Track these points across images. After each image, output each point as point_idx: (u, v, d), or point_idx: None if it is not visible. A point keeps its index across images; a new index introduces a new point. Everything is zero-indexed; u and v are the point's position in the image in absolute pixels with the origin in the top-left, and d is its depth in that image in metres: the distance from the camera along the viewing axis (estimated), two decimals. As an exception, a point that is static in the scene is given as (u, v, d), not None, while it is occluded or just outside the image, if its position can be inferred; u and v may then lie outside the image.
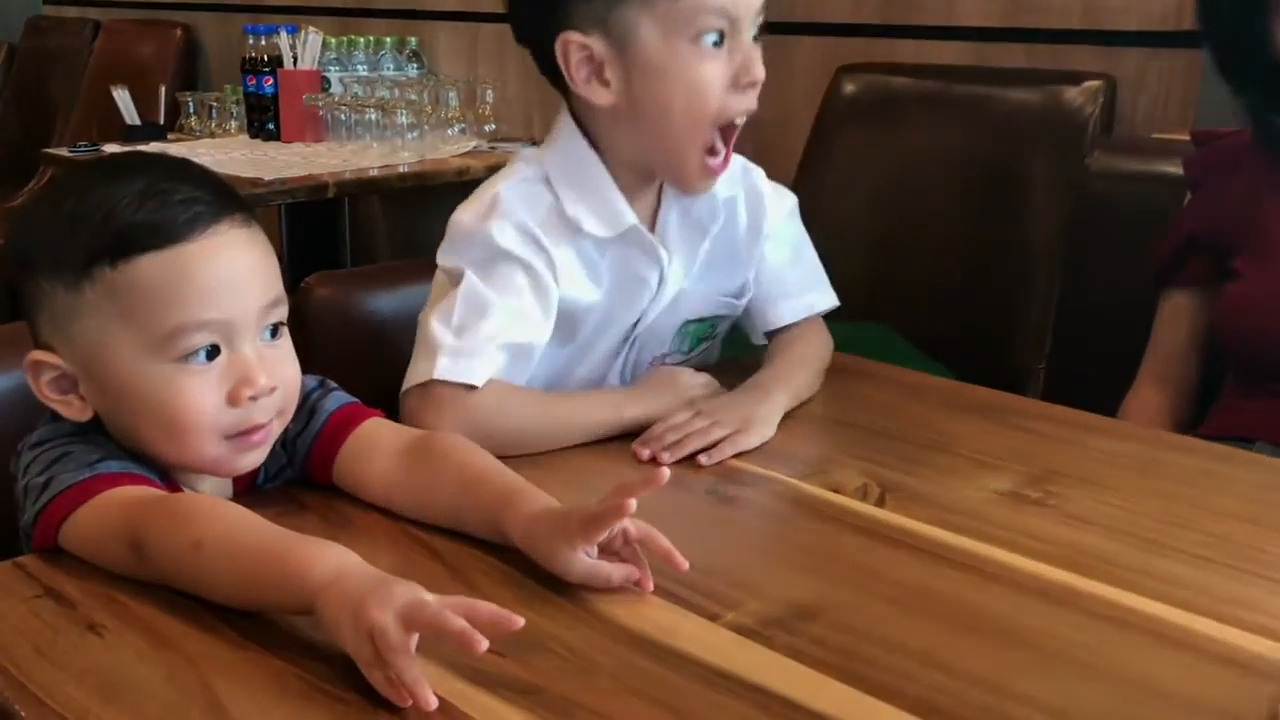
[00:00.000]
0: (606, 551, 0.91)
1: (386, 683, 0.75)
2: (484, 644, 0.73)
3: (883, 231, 2.20)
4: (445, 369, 1.15)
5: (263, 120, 3.10)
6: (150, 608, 0.86)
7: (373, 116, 2.90)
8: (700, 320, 1.38)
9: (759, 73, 1.22)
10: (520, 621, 0.77)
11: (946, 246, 2.15)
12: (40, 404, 0.98)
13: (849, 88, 2.35)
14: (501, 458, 1.03)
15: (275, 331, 0.98)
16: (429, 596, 0.76)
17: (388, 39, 3.27)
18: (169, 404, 0.93)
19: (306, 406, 1.05)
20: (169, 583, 0.88)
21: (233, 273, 0.94)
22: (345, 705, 0.75)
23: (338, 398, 1.08)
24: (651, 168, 1.28)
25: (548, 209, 1.25)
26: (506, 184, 1.26)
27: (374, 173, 2.72)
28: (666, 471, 0.90)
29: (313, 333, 1.38)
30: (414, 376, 1.18)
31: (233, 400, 0.94)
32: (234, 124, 3.26)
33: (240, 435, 0.96)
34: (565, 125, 1.29)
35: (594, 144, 1.27)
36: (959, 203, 2.15)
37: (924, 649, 0.84)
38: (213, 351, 0.94)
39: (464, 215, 1.25)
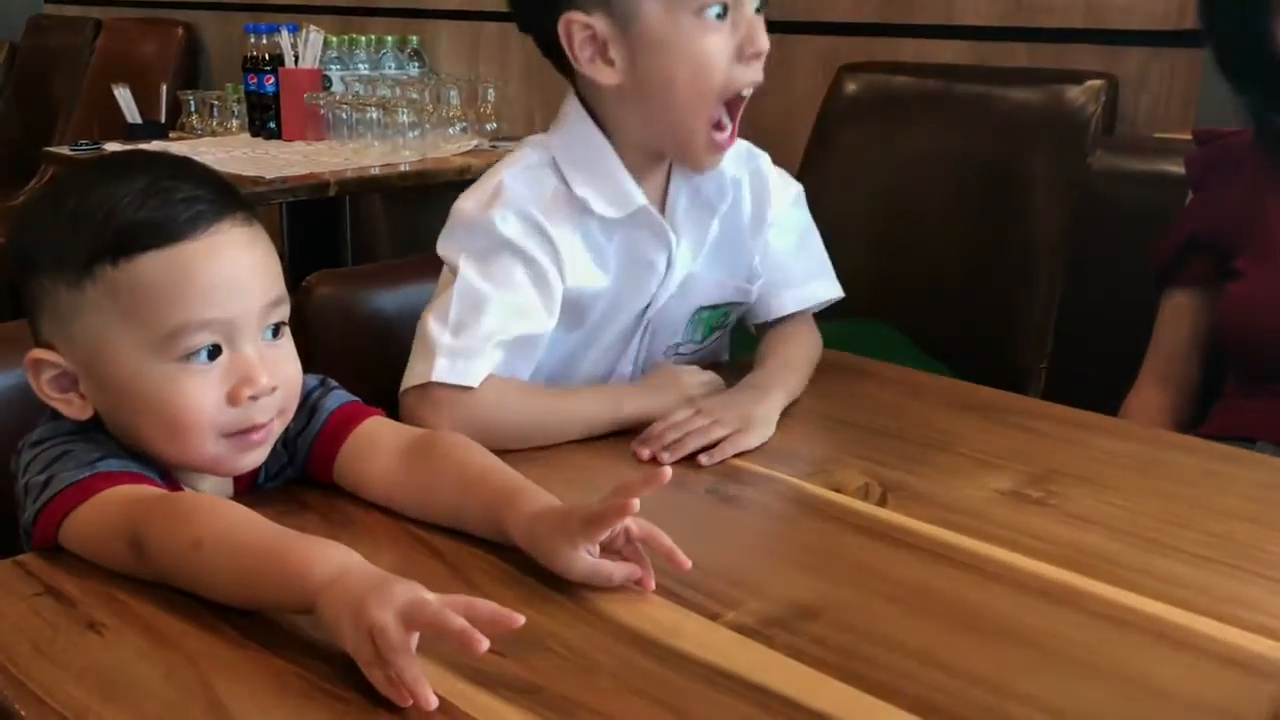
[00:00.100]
0: (608, 550, 0.91)
1: (387, 682, 0.75)
2: (484, 644, 0.73)
3: (884, 230, 2.20)
4: (443, 371, 1.15)
5: (264, 119, 3.10)
6: (150, 606, 0.86)
7: (374, 115, 2.90)
8: (714, 308, 1.37)
9: (763, 43, 1.21)
10: (520, 620, 0.77)
11: (948, 246, 2.15)
12: (41, 402, 0.97)
13: (850, 87, 2.35)
14: (501, 453, 1.03)
15: (277, 331, 0.98)
16: (429, 595, 0.76)
17: (389, 38, 3.27)
18: (169, 403, 0.93)
19: (307, 405, 1.05)
20: (169, 582, 0.88)
21: (234, 272, 0.94)
22: (345, 704, 0.75)
23: (338, 396, 1.08)
24: (659, 146, 1.28)
25: (553, 193, 1.25)
26: (511, 171, 1.26)
27: (375, 171, 2.72)
28: (668, 471, 0.90)
29: (314, 331, 1.38)
30: (412, 377, 1.18)
31: (233, 400, 0.94)
32: (235, 123, 3.26)
33: (240, 434, 0.96)
34: (572, 108, 1.28)
35: (601, 126, 1.27)
36: (960, 202, 2.15)
37: (924, 648, 0.83)
38: (214, 351, 0.94)
39: (467, 203, 1.25)
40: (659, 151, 1.29)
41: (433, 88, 3.04)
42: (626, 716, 0.75)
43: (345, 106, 2.95)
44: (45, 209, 0.96)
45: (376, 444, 1.05)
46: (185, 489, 1.00)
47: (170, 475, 0.99)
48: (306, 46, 3.06)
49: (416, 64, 3.29)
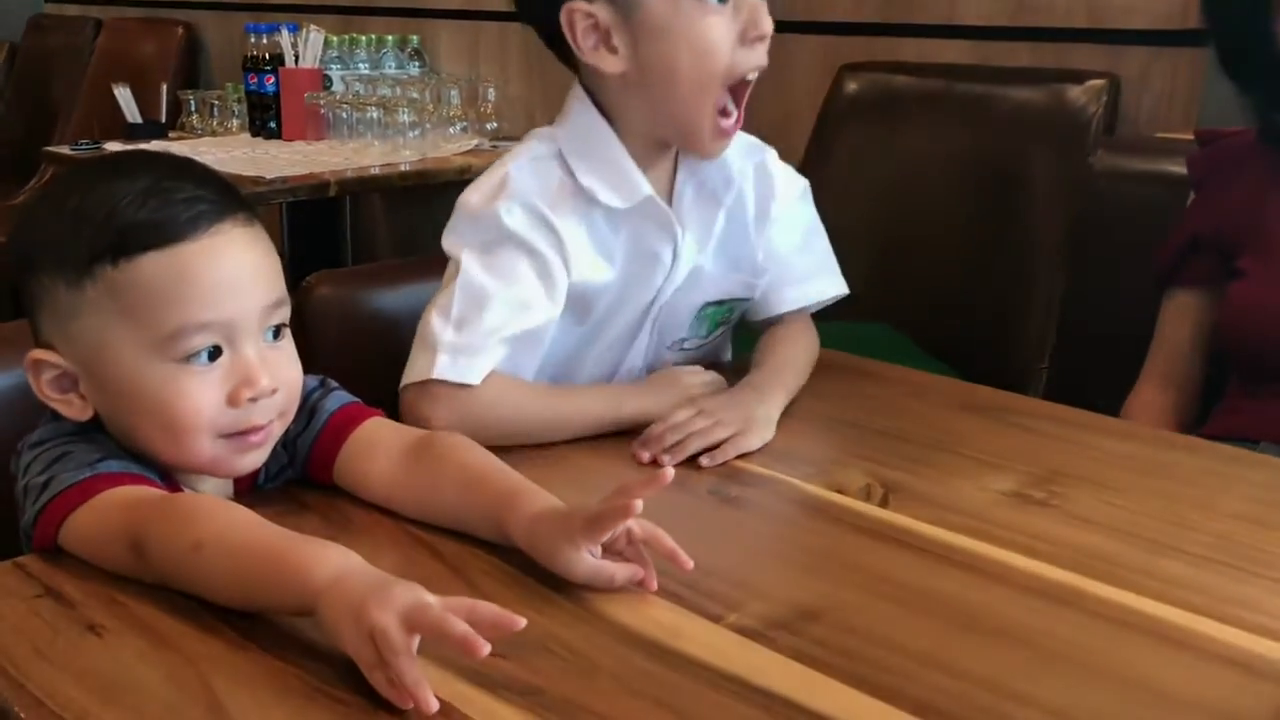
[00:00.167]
0: (610, 551, 0.91)
1: (388, 684, 0.74)
2: (485, 649, 0.73)
3: (885, 230, 2.20)
4: (444, 367, 1.15)
5: (264, 119, 3.10)
6: (150, 608, 0.86)
7: (374, 115, 2.90)
8: (719, 303, 1.37)
9: (767, 26, 1.21)
10: (522, 622, 0.76)
11: (949, 246, 2.15)
12: (41, 403, 0.97)
13: (851, 87, 2.35)
14: (502, 454, 1.03)
15: (278, 333, 0.98)
16: (430, 598, 0.76)
17: (389, 37, 3.27)
18: (168, 404, 0.93)
19: (307, 406, 1.05)
20: (169, 583, 0.87)
21: (235, 273, 0.94)
22: (346, 707, 0.75)
23: (339, 397, 1.08)
24: (665, 135, 1.27)
25: (559, 184, 1.25)
26: (516, 163, 1.25)
27: (375, 171, 2.72)
28: (670, 471, 0.90)
29: (314, 331, 1.38)
30: (413, 373, 1.17)
31: (233, 401, 0.94)
32: (235, 122, 3.26)
33: (239, 436, 0.96)
34: (577, 100, 1.28)
35: (606, 116, 1.26)
36: (962, 202, 2.15)
37: (927, 650, 0.83)
38: (214, 352, 0.93)
39: (472, 196, 1.25)
40: (664, 140, 1.28)
41: (433, 87, 3.04)
42: (628, 718, 0.75)
43: (345, 106, 2.95)
44: (46, 209, 0.95)
45: (377, 445, 1.05)
46: (185, 490, 0.99)
47: (170, 476, 0.99)
48: (307, 46, 3.06)
49: (417, 64, 3.29)
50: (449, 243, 1.23)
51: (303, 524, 0.94)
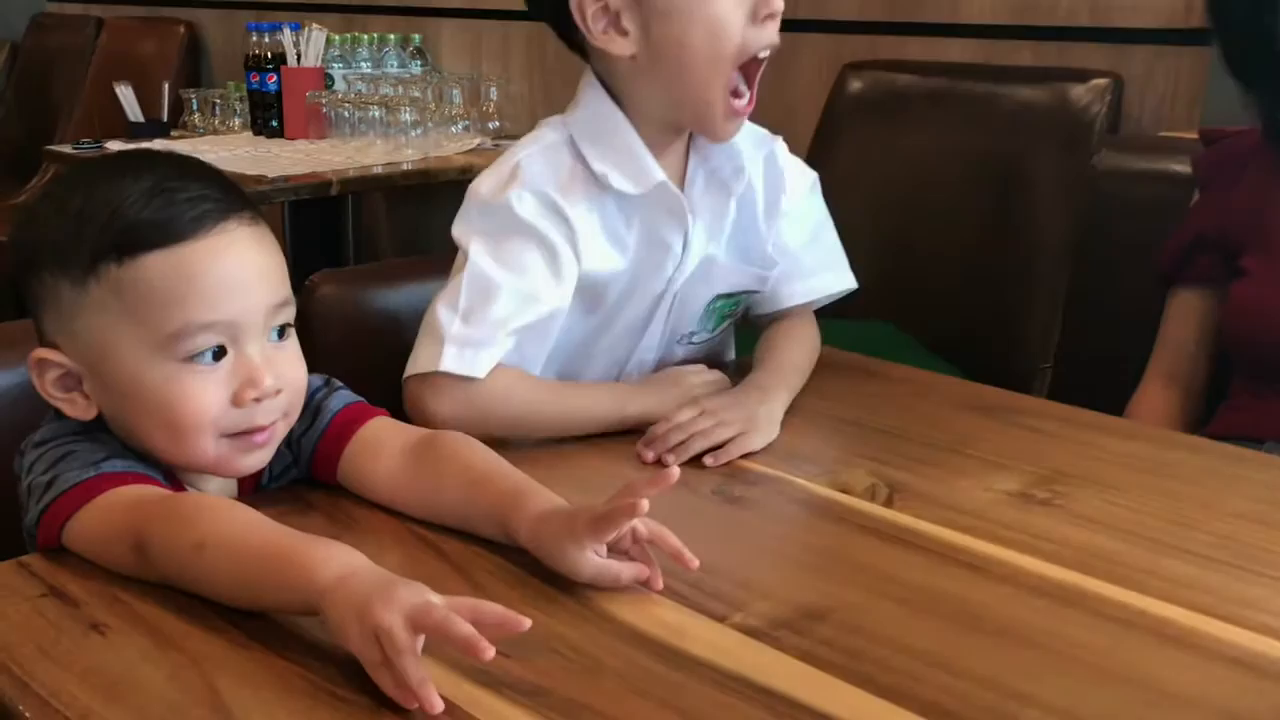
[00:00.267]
0: (615, 551, 0.91)
1: (393, 684, 0.74)
2: (490, 651, 0.73)
3: (889, 229, 2.20)
4: (451, 360, 1.15)
5: (266, 117, 3.10)
6: (154, 607, 0.86)
7: (376, 114, 2.90)
8: (728, 296, 1.37)
9: (778, 3, 1.20)
10: (527, 623, 0.76)
11: (952, 245, 2.15)
12: (44, 402, 0.97)
13: (855, 85, 2.35)
14: (507, 453, 1.02)
15: (282, 332, 0.98)
16: (436, 598, 0.76)
17: (391, 36, 3.27)
18: (172, 403, 0.93)
19: (311, 406, 1.05)
20: (173, 583, 0.87)
21: (240, 272, 0.93)
22: (350, 706, 0.75)
23: (343, 397, 1.07)
24: (677, 117, 1.27)
25: (570, 171, 1.24)
26: (527, 151, 1.25)
27: (377, 170, 2.72)
28: (676, 470, 0.90)
29: (317, 331, 1.38)
30: (418, 364, 1.17)
31: (237, 401, 0.94)
32: (237, 121, 3.26)
33: (243, 436, 0.96)
34: (589, 87, 1.28)
35: (618, 102, 1.26)
36: (965, 201, 2.15)
37: (932, 650, 0.83)
38: (219, 352, 0.93)
39: (483, 184, 1.25)
40: (677, 125, 1.28)
41: (435, 86, 3.04)
42: (633, 718, 0.75)
43: (347, 105, 2.95)
44: (50, 207, 0.95)
45: (381, 445, 1.05)
46: (189, 490, 0.99)
47: (174, 476, 0.99)
48: (309, 45, 3.06)
49: (419, 62, 3.29)
50: (458, 231, 1.23)
51: (307, 523, 0.94)
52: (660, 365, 1.36)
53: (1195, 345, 1.54)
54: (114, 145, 2.90)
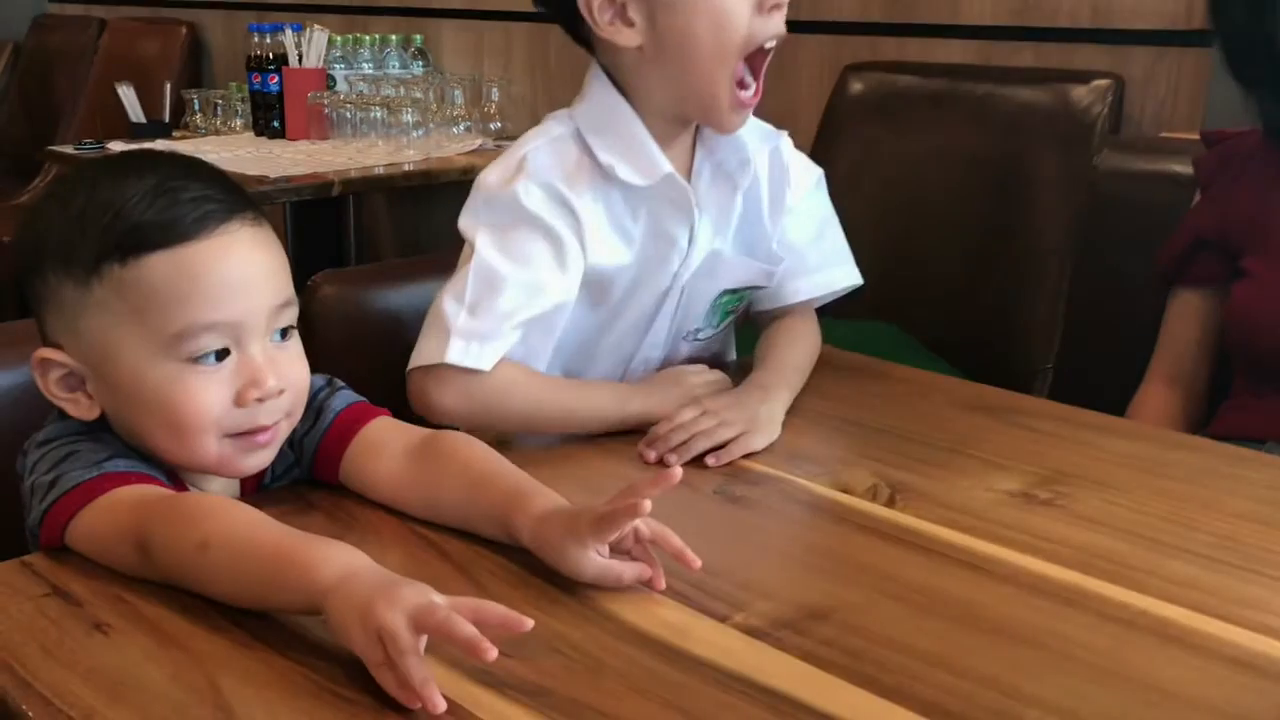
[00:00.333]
0: (617, 551, 0.91)
1: (395, 684, 0.74)
2: (493, 652, 0.73)
3: (890, 230, 2.20)
4: (457, 352, 1.15)
5: (268, 118, 3.10)
6: (157, 607, 0.86)
7: (378, 114, 2.90)
8: (734, 291, 1.37)
9: None
10: (529, 623, 0.77)
11: (954, 245, 2.15)
12: (47, 402, 0.97)
13: (856, 86, 2.35)
14: (509, 453, 1.02)
15: (285, 333, 0.98)
16: (438, 598, 0.76)
17: (393, 37, 3.28)
18: (175, 403, 0.93)
19: (314, 406, 1.05)
20: (176, 583, 0.87)
21: (243, 272, 0.94)
22: (353, 706, 0.75)
23: (345, 397, 1.08)
24: (683, 109, 1.27)
25: (577, 164, 1.25)
26: (534, 143, 1.25)
27: (379, 171, 2.72)
28: (679, 471, 0.90)
29: (319, 331, 1.38)
30: (423, 355, 1.17)
31: (240, 401, 0.94)
32: (239, 122, 3.27)
33: (245, 435, 0.96)
34: (596, 80, 1.28)
35: (625, 94, 1.26)
36: (966, 202, 2.15)
37: (933, 650, 0.83)
38: (222, 352, 0.93)
39: (489, 176, 1.25)
40: (683, 116, 1.28)
41: (437, 87, 3.04)
42: (635, 718, 0.75)
43: (349, 106, 2.96)
44: (53, 207, 0.95)
45: (383, 445, 1.05)
46: (191, 489, 0.99)
47: (177, 476, 0.99)
48: (310, 46, 3.06)
49: (420, 63, 3.29)
50: (465, 223, 1.23)
51: (309, 523, 0.94)
52: (665, 363, 1.36)
53: (1196, 346, 1.54)
54: (116, 146, 2.90)
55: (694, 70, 1.22)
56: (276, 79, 3.07)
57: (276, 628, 0.83)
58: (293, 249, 3.07)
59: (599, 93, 1.27)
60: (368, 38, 3.25)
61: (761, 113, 1.31)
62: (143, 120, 3.32)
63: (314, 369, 1.03)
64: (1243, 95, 1.48)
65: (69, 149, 3.05)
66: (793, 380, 1.30)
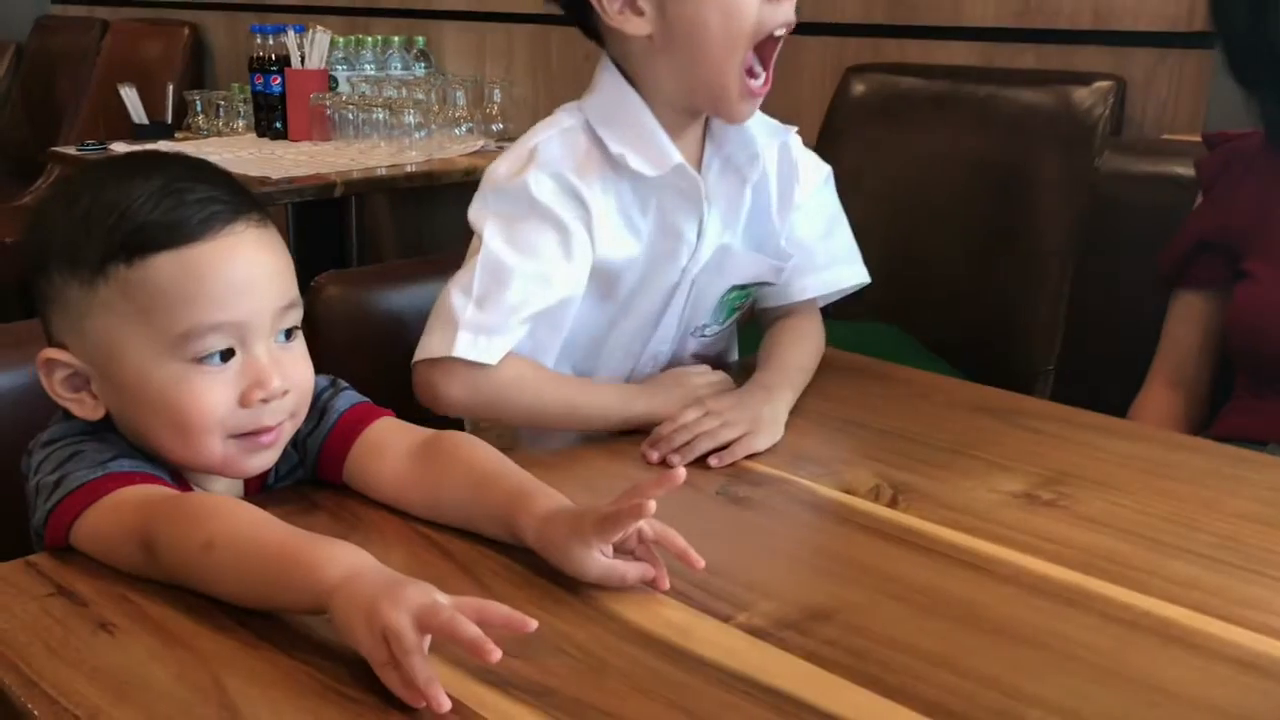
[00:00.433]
0: (620, 551, 0.91)
1: (400, 683, 0.75)
2: (496, 654, 0.73)
3: (892, 232, 2.20)
4: (464, 346, 1.15)
5: (270, 119, 3.10)
6: (162, 606, 0.86)
7: (380, 116, 2.90)
8: (742, 288, 1.36)
9: None
10: (533, 624, 0.77)
11: (956, 247, 2.15)
12: (52, 402, 0.97)
13: (858, 88, 2.35)
14: (513, 454, 1.03)
15: (289, 333, 0.98)
16: (443, 598, 0.76)
17: (395, 38, 3.28)
18: (180, 404, 0.93)
19: (317, 406, 1.05)
20: (180, 582, 0.88)
21: (248, 273, 0.94)
22: (358, 705, 0.75)
23: (349, 397, 1.08)
24: (693, 98, 1.26)
25: (587, 154, 1.25)
26: (544, 135, 1.25)
27: (381, 172, 2.72)
28: (682, 471, 0.90)
29: (322, 331, 1.38)
30: (430, 348, 1.18)
31: (244, 402, 0.94)
32: (241, 123, 3.27)
33: (250, 436, 0.96)
34: (605, 71, 1.28)
35: (635, 86, 1.26)
36: (968, 203, 2.15)
37: (936, 650, 0.83)
38: (226, 353, 0.94)
39: (499, 167, 1.25)
40: (693, 106, 1.28)
41: (439, 88, 3.04)
42: (638, 718, 0.75)
43: (351, 107, 2.96)
44: (59, 208, 0.95)
45: (386, 445, 1.05)
46: (196, 490, 1.00)
47: (181, 476, 0.99)
48: (313, 47, 3.06)
49: (423, 64, 3.29)
50: (474, 214, 1.24)
51: (312, 523, 0.94)
52: (672, 359, 1.36)
53: (1198, 348, 1.54)
54: (118, 147, 2.91)
55: (703, 59, 1.21)
56: (279, 80, 3.07)
57: (281, 627, 0.84)
58: (295, 250, 3.04)
59: (609, 84, 1.27)
60: (370, 39, 3.25)
61: (764, 113, 1.31)
62: (145, 121, 3.32)
63: (317, 369, 1.03)
64: (1244, 97, 1.48)
65: (71, 150, 3.05)
66: (796, 381, 1.30)
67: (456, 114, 2.99)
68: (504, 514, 0.95)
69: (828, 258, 1.41)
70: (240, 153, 2.88)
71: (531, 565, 0.93)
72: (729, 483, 1.12)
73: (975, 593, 0.92)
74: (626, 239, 1.27)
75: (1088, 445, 1.21)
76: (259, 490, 1.06)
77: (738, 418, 1.19)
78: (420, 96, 2.98)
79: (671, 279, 1.31)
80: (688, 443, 1.16)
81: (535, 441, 1.28)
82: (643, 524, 0.89)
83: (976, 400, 1.35)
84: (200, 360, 0.93)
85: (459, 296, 1.18)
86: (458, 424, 1.36)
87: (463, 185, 2.62)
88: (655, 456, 1.16)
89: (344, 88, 3.13)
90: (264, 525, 0.87)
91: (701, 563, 0.90)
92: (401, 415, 1.11)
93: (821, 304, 1.45)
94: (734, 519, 1.07)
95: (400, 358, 1.23)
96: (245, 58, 3.22)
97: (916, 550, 0.99)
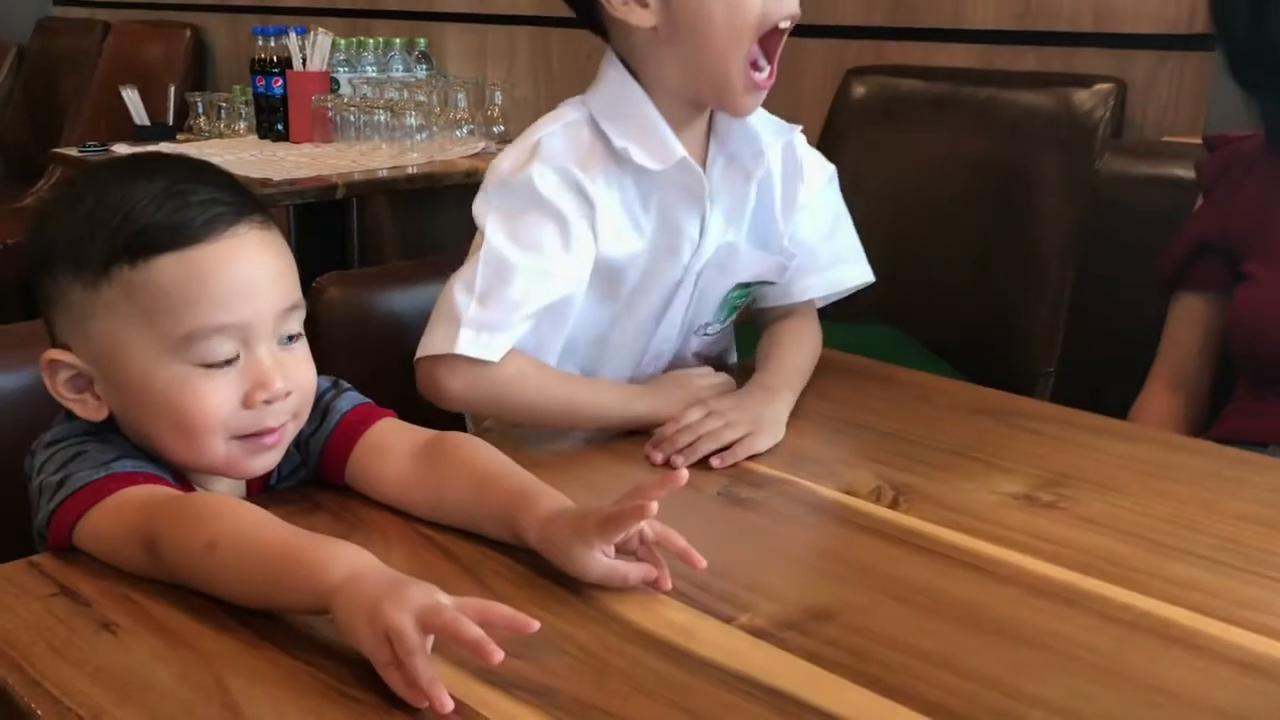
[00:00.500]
0: (622, 553, 0.91)
1: (403, 683, 0.75)
2: (498, 655, 0.74)
3: (892, 234, 2.20)
4: (467, 342, 1.16)
5: (272, 121, 3.10)
6: (165, 606, 0.87)
7: (381, 118, 2.90)
8: (745, 286, 1.36)
9: None
10: (535, 625, 0.77)
11: (956, 249, 2.15)
12: (55, 403, 0.98)
13: (859, 90, 2.35)
14: (514, 454, 1.03)
15: (292, 335, 0.98)
16: (445, 598, 0.77)
17: (397, 40, 3.28)
18: (183, 405, 0.93)
19: (320, 407, 1.05)
20: (183, 582, 0.88)
21: (251, 275, 0.94)
22: (361, 705, 0.76)
23: (351, 398, 1.08)
24: (697, 91, 1.26)
25: (590, 147, 1.25)
26: (548, 129, 1.25)
27: (383, 174, 2.72)
28: (685, 473, 0.90)
29: (323, 333, 1.38)
30: (433, 345, 1.18)
31: (247, 403, 0.94)
32: (243, 125, 3.27)
33: (253, 437, 0.96)
34: (610, 66, 1.28)
35: (639, 80, 1.26)
36: (969, 205, 2.15)
37: (937, 651, 0.84)
38: (230, 356, 0.94)
39: (504, 161, 1.25)
40: (697, 99, 1.27)
41: (440, 90, 3.04)
42: (640, 719, 0.75)
43: (353, 109, 2.96)
44: (62, 209, 0.96)
45: (389, 446, 1.05)
46: (199, 490, 1.00)
47: (184, 476, 0.99)
48: (314, 49, 3.06)
49: (424, 66, 3.29)
50: (478, 209, 1.24)
51: (315, 524, 0.94)
52: (675, 359, 1.36)
53: (1198, 350, 1.54)
54: (120, 148, 2.91)
55: (708, 50, 1.21)
56: (280, 82, 3.07)
57: (284, 627, 0.84)
58: (296, 252, 3.04)
59: (613, 78, 1.27)
60: (371, 41, 3.25)
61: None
62: (147, 123, 3.32)
63: (318, 371, 1.03)
64: (1245, 99, 1.48)
65: (73, 151, 3.05)
66: (795, 382, 1.31)
67: (458, 116, 2.99)
68: (506, 515, 0.95)
69: (831, 258, 1.41)
70: (242, 154, 2.89)
71: (533, 566, 0.93)
72: (730, 484, 1.12)
73: (976, 594, 0.92)
74: (629, 234, 1.27)
75: (1088, 447, 1.21)
76: (261, 491, 1.06)
77: (740, 418, 1.19)
78: (422, 98, 2.98)
79: (674, 276, 1.31)
80: (691, 444, 1.16)
81: (539, 442, 1.28)
82: (644, 525, 0.89)
83: (977, 402, 1.35)
84: (203, 363, 0.93)
85: (461, 293, 1.18)
86: (459, 424, 1.36)
87: (464, 187, 2.62)
88: (659, 458, 1.16)
89: (345, 90, 3.14)
90: (266, 525, 0.87)
91: (703, 562, 0.90)
92: (403, 416, 1.12)
93: (826, 303, 1.45)
94: (735, 520, 1.07)
95: (401, 359, 1.23)
96: (247, 59, 3.22)
97: (917, 551, 0.99)
